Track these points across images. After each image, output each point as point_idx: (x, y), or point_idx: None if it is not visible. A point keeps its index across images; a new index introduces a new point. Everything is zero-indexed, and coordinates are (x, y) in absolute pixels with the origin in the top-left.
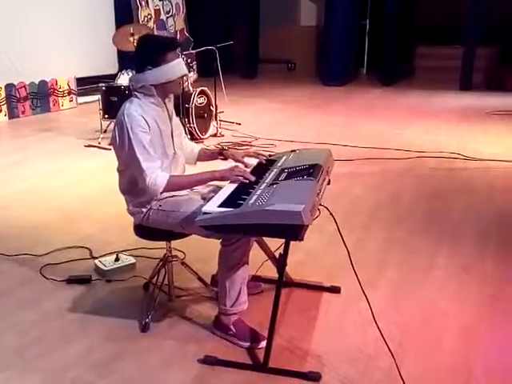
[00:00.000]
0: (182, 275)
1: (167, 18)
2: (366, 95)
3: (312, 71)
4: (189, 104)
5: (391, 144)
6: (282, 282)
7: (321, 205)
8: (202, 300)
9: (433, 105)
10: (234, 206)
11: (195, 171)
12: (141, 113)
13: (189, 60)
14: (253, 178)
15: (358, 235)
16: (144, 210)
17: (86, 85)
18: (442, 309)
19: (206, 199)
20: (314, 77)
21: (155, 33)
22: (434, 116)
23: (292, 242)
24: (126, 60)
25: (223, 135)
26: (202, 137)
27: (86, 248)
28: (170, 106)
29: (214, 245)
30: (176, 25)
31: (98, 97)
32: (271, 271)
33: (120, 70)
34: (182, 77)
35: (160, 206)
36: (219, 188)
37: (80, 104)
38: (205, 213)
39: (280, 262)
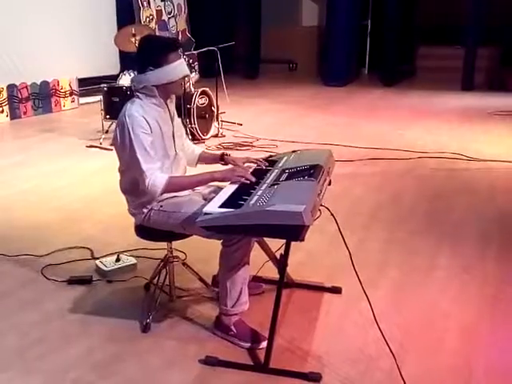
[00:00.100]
0: (182, 276)
1: (169, 18)
2: (368, 95)
3: (314, 71)
4: (190, 104)
5: (393, 144)
6: (283, 283)
7: (322, 205)
8: (202, 300)
9: (434, 105)
10: (234, 206)
11: (195, 172)
12: (142, 113)
13: (190, 61)
14: (253, 179)
15: (358, 236)
16: (145, 210)
17: (87, 85)
18: (443, 309)
19: (207, 200)
20: (315, 77)
21: (157, 33)
22: (436, 116)
23: (293, 243)
24: (127, 61)
25: (224, 136)
26: (203, 137)
27: (87, 248)
28: (172, 106)
29: (215, 245)
30: (178, 25)
31: (99, 97)
32: (272, 272)
33: (122, 71)
34: (184, 77)
35: (161, 206)
36: (220, 189)
37: (82, 104)
38: (206, 213)
39: (281, 263)
